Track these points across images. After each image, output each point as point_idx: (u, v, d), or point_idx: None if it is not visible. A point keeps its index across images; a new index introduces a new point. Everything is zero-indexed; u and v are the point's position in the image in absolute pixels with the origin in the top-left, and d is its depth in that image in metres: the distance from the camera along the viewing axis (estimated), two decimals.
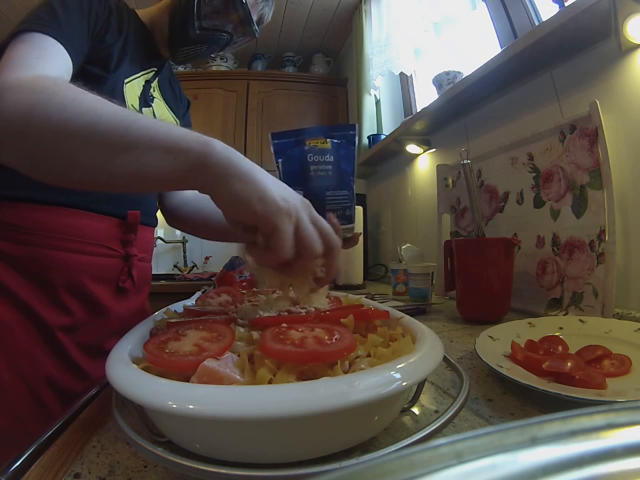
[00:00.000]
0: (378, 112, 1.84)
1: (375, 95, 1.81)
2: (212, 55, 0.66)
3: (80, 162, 0.35)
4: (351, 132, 0.51)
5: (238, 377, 0.25)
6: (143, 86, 0.65)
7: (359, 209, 1.30)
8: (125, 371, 0.25)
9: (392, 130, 1.45)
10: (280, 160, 0.50)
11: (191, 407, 0.21)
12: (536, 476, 0.10)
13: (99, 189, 0.40)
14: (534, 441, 0.10)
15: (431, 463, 0.10)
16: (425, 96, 1.60)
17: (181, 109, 0.79)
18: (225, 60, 2.32)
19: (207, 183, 0.34)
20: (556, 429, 0.11)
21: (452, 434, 0.29)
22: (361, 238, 1.39)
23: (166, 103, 0.72)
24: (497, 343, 0.47)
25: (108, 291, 0.60)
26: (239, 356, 0.28)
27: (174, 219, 0.79)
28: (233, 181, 0.33)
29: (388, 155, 1.58)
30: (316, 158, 0.49)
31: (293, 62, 2.39)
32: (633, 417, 0.11)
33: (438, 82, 1.18)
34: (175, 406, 0.21)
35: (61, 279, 0.55)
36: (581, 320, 0.54)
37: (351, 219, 0.53)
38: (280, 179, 0.48)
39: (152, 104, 0.67)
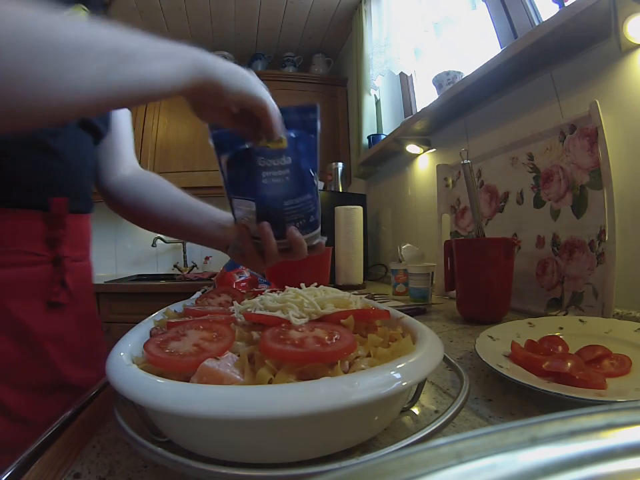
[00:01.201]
0: (378, 112, 1.84)
1: (375, 95, 1.81)
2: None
3: (78, 76, 0.28)
4: (311, 115, 0.41)
5: (238, 377, 0.25)
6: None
7: (358, 209, 1.30)
8: (124, 371, 0.25)
9: (392, 130, 1.45)
10: (223, 157, 0.42)
11: (190, 407, 0.21)
12: (536, 476, 0.10)
13: (79, 111, 0.32)
14: (534, 441, 0.10)
15: (430, 463, 0.10)
16: (425, 96, 1.60)
17: None
18: (225, 60, 2.32)
19: (210, 85, 0.36)
20: (556, 429, 0.11)
21: (452, 434, 0.29)
22: (361, 238, 1.38)
23: None
24: (497, 343, 0.47)
25: (38, 311, 0.46)
26: (238, 356, 0.28)
27: (113, 202, 0.65)
28: (236, 75, 0.37)
29: (388, 155, 1.58)
30: (269, 163, 0.40)
31: (293, 62, 2.39)
32: (633, 417, 0.11)
33: (438, 82, 1.18)
34: (175, 406, 0.21)
35: None
36: (581, 320, 0.54)
37: (315, 225, 0.44)
38: (224, 183, 0.43)
39: None
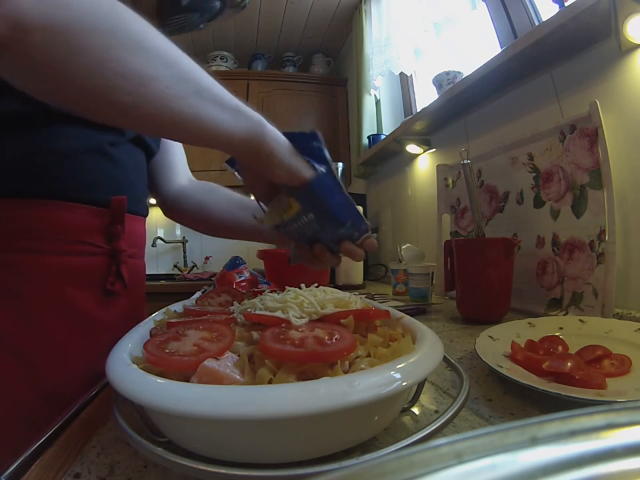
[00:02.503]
0: (378, 112, 1.84)
1: (375, 95, 1.81)
2: (201, 26, 0.61)
3: (151, 88, 0.29)
4: (314, 143, 0.38)
5: (238, 377, 0.25)
6: None
7: (358, 209, 1.30)
8: (125, 371, 0.25)
9: (392, 130, 1.45)
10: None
11: (190, 407, 0.21)
12: (536, 476, 0.10)
13: (134, 120, 0.32)
14: (534, 441, 0.10)
15: (431, 463, 0.10)
16: (425, 96, 1.60)
17: None
18: (225, 60, 2.32)
19: (263, 152, 0.35)
20: (556, 429, 0.11)
21: (452, 434, 0.29)
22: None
23: None
24: (497, 343, 0.47)
25: (94, 298, 0.50)
26: (238, 356, 0.28)
27: (171, 210, 0.71)
28: (290, 152, 0.36)
29: (388, 155, 1.58)
30: (294, 226, 0.42)
31: (293, 62, 2.39)
32: (633, 417, 0.11)
33: (438, 82, 1.18)
34: (175, 406, 0.21)
35: (32, 290, 0.44)
36: (581, 320, 0.54)
37: (364, 230, 0.43)
38: None
39: None
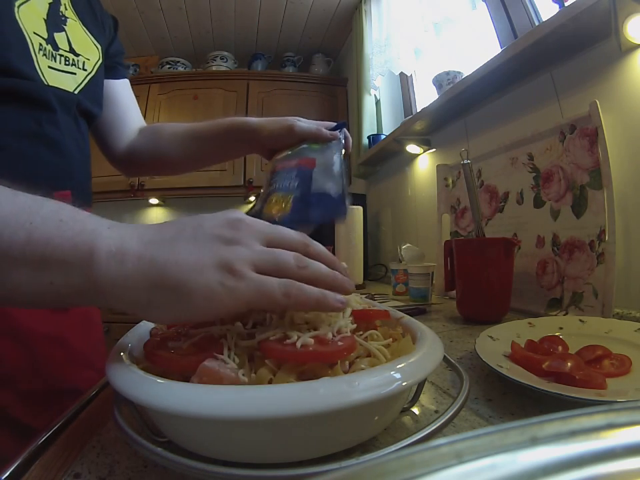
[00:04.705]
0: (378, 112, 1.84)
1: (375, 95, 1.81)
2: None
3: None
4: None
5: (238, 377, 0.25)
6: (49, 4, 0.49)
7: (358, 209, 1.30)
8: (124, 371, 0.25)
9: (392, 130, 1.45)
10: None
11: (191, 406, 0.21)
12: (536, 476, 0.10)
13: None
14: (534, 441, 0.10)
15: (431, 463, 0.10)
16: (425, 96, 1.60)
17: (105, 32, 0.62)
18: (225, 60, 2.32)
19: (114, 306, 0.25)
20: (556, 429, 0.11)
21: (452, 434, 0.29)
22: (362, 238, 1.38)
23: (83, 23, 0.56)
24: (497, 343, 0.47)
25: (40, 312, 0.44)
26: (239, 356, 0.27)
27: (128, 168, 0.68)
28: (154, 295, 0.24)
29: (388, 155, 1.58)
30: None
31: (293, 62, 2.39)
32: (633, 416, 0.11)
33: (438, 82, 1.18)
34: (174, 406, 0.21)
35: None
36: (581, 320, 0.54)
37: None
38: None
39: (64, 26, 0.52)
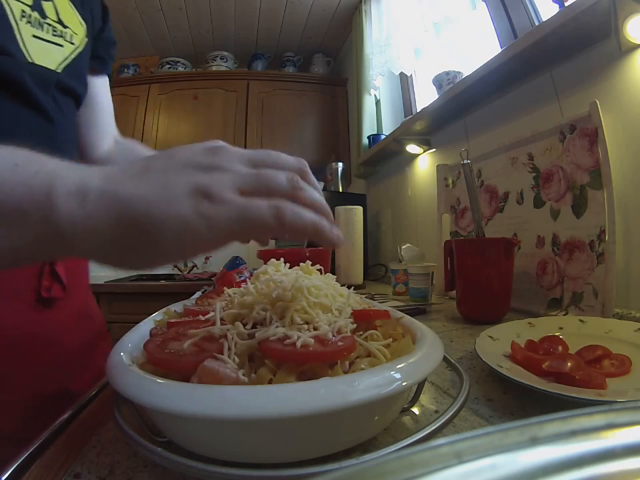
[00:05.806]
0: (378, 112, 1.84)
1: (375, 95, 1.81)
2: None
3: None
4: None
5: (238, 377, 0.25)
6: None
7: (358, 209, 1.30)
8: (124, 371, 0.25)
9: (392, 130, 1.45)
10: None
11: (191, 407, 0.21)
12: (536, 476, 0.10)
13: None
14: (534, 441, 0.10)
15: (431, 463, 0.10)
16: (425, 96, 1.60)
17: (92, 14, 0.56)
18: (225, 60, 2.32)
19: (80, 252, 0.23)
20: (556, 429, 0.11)
21: (452, 434, 0.29)
22: (362, 238, 1.37)
23: None
24: (496, 343, 0.47)
25: (24, 311, 0.40)
26: (238, 356, 0.27)
27: None
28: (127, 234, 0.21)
29: (388, 155, 1.58)
30: None
31: (293, 62, 2.39)
32: (633, 416, 0.11)
33: (438, 82, 1.18)
34: (175, 406, 0.21)
35: None
36: (580, 320, 0.54)
37: None
38: None
39: None
